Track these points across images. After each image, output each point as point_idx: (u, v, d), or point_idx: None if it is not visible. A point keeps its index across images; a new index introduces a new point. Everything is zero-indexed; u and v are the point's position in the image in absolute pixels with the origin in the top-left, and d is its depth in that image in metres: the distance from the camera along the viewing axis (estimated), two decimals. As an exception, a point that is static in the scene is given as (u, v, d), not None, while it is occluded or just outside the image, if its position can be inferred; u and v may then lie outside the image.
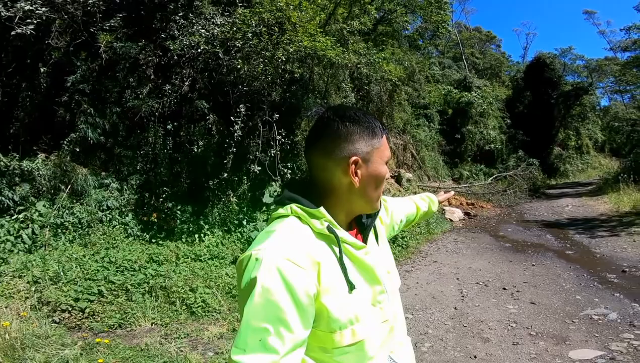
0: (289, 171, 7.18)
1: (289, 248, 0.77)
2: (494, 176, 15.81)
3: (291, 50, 6.25)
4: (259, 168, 6.61)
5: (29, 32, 5.40)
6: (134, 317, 4.01)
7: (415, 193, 12.59)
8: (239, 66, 6.13)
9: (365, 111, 0.93)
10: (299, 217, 0.85)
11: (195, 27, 6.38)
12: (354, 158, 0.86)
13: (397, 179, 12.36)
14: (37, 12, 5.45)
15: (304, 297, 0.74)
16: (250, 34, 6.23)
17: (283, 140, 6.75)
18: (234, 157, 6.36)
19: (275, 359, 0.70)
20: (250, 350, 0.70)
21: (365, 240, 0.95)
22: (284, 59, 6.28)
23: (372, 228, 1.00)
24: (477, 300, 4.71)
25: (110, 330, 3.86)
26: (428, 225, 9.24)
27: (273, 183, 7.21)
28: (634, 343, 3.37)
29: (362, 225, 0.97)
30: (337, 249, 0.83)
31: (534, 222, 10.12)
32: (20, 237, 5.29)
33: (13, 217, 5.40)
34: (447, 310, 4.46)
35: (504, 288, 5.08)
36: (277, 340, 0.70)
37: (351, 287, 0.82)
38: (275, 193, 6.02)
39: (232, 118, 6.31)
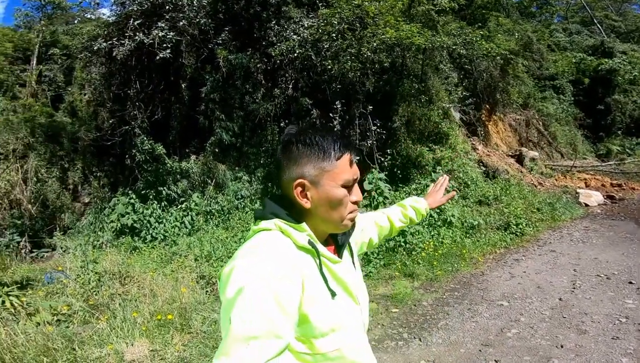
0: (389, 157, 7.38)
1: (275, 259, 0.80)
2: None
3: (375, 44, 6.36)
4: (358, 157, 7.01)
5: (168, 55, 6.73)
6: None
7: (542, 174, 11.10)
8: (329, 67, 6.55)
9: (329, 131, 0.94)
10: (282, 231, 0.89)
11: (287, 31, 7.01)
12: (298, 181, 0.89)
13: (519, 158, 11.10)
14: (167, 36, 6.71)
15: (289, 305, 0.77)
16: (334, 34, 6.54)
17: (378, 130, 6.97)
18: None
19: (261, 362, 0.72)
20: (236, 356, 0.71)
21: (340, 256, 0.99)
22: (370, 54, 6.43)
23: (348, 246, 1.05)
24: (590, 293, 4.21)
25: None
26: (553, 210, 8.12)
27: (373, 170, 7.52)
28: None
29: (337, 242, 1.02)
30: (317, 261, 0.89)
31: None
32: (184, 222, 6.91)
33: (178, 207, 7.06)
34: (550, 300, 4.15)
35: (631, 282, 4.37)
36: (264, 345, 0.73)
37: (333, 294, 0.88)
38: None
39: (330, 114, 6.84)
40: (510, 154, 11.24)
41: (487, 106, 11.15)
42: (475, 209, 7.55)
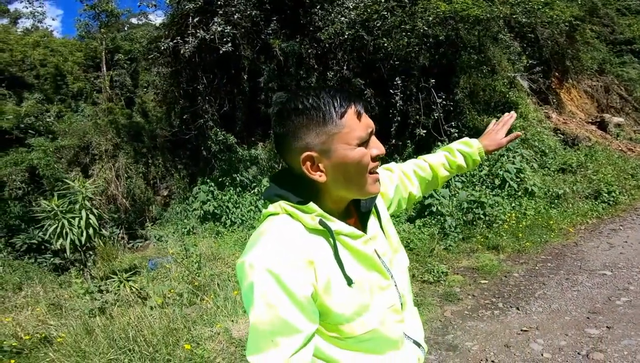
0: (456, 130, 7.14)
1: (280, 250, 0.74)
2: None
3: (430, 18, 6.11)
4: (424, 131, 6.87)
5: (229, 49, 6.94)
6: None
7: (630, 139, 10.06)
8: (385, 44, 6.39)
9: (321, 88, 0.79)
10: (289, 214, 0.80)
11: (332, 15, 6.91)
12: (304, 155, 0.77)
13: (601, 124, 10.20)
14: (225, 30, 6.91)
15: (301, 296, 0.73)
16: (384, 12, 6.36)
17: (444, 102, 6.75)
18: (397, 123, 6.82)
19: (287, 357, 0.71)
20: (263, 350, 0.72)
21: (364, 226, 0.88)
22: (426, 28, 6.19)
23: (374, 210, 0.93)
24: None
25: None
26: (651, 175, 7.37)
27: (439, 143, 7.33)
28: None
29: (359, 210, 0.90)
30: (332, 243, 0.79)
31: None
32: (257, 206, 7.30)
33: (251, 192, 7.47)
34: None
35: None
36: (285, 339, 0.72)
37: (349, 281, 0.78)
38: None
39: (391, 91, 6.72)
40: (590, 121, 10.40)
41: (557, 74, 10.53)
42: (557, 177, 7.12)
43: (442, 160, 1.22)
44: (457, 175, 6.43)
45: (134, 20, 17.10)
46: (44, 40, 13.40)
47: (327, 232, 0.79)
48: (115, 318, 3.29)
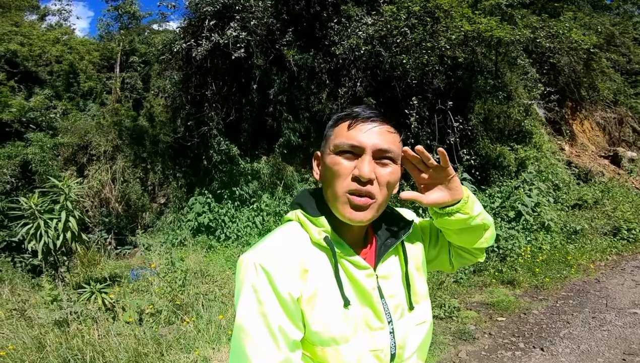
0: (468, 157, 6.81)
1: (278, 252, 0.75)
2: None
3: (453, 37, 5.94)
4: (438, 156, 6.53)
5: (242, 55, 6.74)
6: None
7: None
8: (404, 61, 6.20)
9: (363, 105, 0.82)
10: (301, 223, 0.82)
11: (348, 30, 6.80)
12: (316, 153, 0.87)
13: (614, 159, 9.87)
14: (240, 36, 6.76)
15: (287, 298, 0.72)
16: (405, 28, 6.22)
17: (461, 126, 6.46)
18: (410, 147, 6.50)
19: (274, 357, 0.69)
20: (249, 349, 0.69)
21: (377, 262, 0.83)
22: (448, 47, 6.02)
23: (400, 252, 0.87)
24: None
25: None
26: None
27: (457, 170, 7.00)
28: None
29: (381, 246, 0.85)
30: (333, 262, 0.77)
31: None
32: (255, 222, 6.93)
33: (250, 207, 7.12)
34: None
35: None
36: (268, 335, 0.70)
37: (346, 302, 0.75)
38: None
39: (405, 111, 6.44)
40: (603, 154, 10.09)
41: (571, 104, 10.34)
42: (572, 213, 6.88)
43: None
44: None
45: (155, 27, 17.34)
46: (64, 38, 13.48)
47: (329, 250, 0.78)
48: (74, 335, 2.85)
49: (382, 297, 0.80)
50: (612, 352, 2.97)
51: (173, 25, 18.78)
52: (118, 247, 7.59)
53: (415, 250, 0.92)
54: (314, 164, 0.85)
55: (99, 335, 2.86)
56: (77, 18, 51.93)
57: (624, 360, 2.86)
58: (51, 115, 9.05)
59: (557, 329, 3.45)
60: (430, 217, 0.94)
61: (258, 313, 0.70)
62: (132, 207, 8.36)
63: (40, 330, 3.00)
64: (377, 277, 0.81)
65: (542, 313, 3.84)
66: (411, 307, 0.84)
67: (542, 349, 3.09)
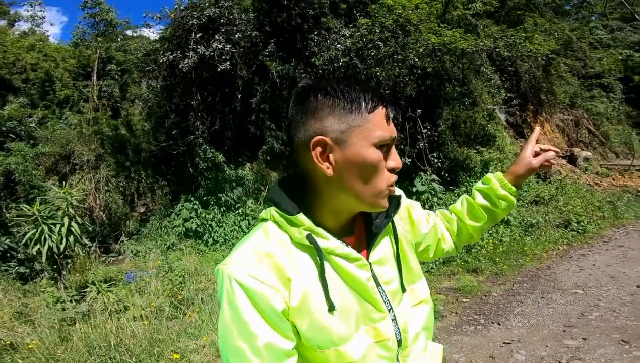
0: (438, 160, 7.44)
1: (255, 264, 0.68)
2: None
3: (421, 50, 6.52)
4: (409, 160, 7.13)
5: (227, 67, 7.09)
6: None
7: (597, 174, 10.73)
8: (378, 73, 6.74)
9: (359, 82, 0.72)
10: (276, 222, 0.74)
11: (328, 42, 7.27)
12: (317, 138, 0.68)
13: (571, 159, 10.85)
14: (225, 49, 7.11)
15: (271, 314, 0.66)
16: (378, 42, 6.75)
17: (429, 132, 7.06)
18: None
19: None
20: None
21: (369, 248, 0.78)
22: (417, 59, 6.60)
23: (390, 234, 0.83)
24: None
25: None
26: (615, 209, 7.98)
27: (421, 173, 7.60)
28: None
29: (370, 228, 0.80)
30: (319, 261, 0.71)
31: None
32: (241, 227, 7.24)
33: (235, 212, 7.42)
34: (627, 288, 4.26)
35: None
36: (254, 357, 0.65)
37: (331, 307, 0.69)
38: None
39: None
40: (561, 155, 11.05)
41: (532, 107, 11.12)
42: (530, 209, 7.59)
43: (464, 204, 1.04)
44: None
45: (128, 32, 17.20)
46: (39, 45, 13.23)
47: (314, 249, 0.70)
48: (95, 326, 3.15)
49: (378, 285, 0.76)
50: (555, 325, 3.48)
51: (147, 31, 18.70)
52: (103, 255, 7.67)
53: (404, 226, 0.89)
54: (317, 152, 0.69)
55: (116, 327, 3.16)
56: (51, 25, 49.75)
57: (564, 330, 3.35)
58: (30, 125, 8.98)
59: (512, 308, 4.01)
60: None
61: (238, 336, 0.65)
62: (114, 216, 8.44)
63: (59, 326, 3.26)
64: (370, 265, 0.76)
65: (500, 295, 4.40)
66: (403, 289, 0.81)
67: (499, 324, 3.62)
